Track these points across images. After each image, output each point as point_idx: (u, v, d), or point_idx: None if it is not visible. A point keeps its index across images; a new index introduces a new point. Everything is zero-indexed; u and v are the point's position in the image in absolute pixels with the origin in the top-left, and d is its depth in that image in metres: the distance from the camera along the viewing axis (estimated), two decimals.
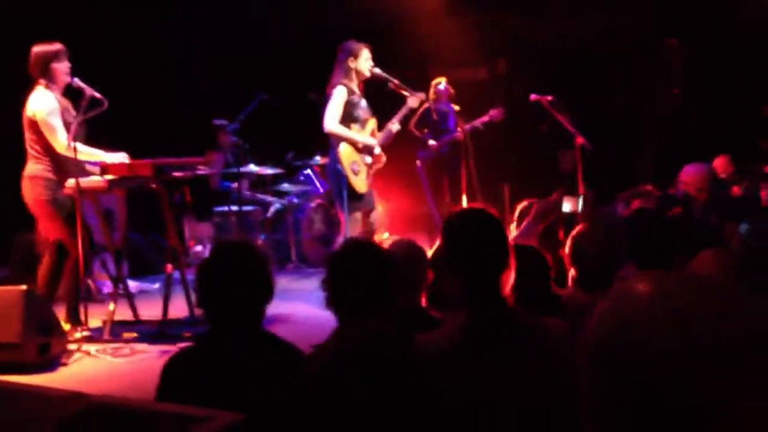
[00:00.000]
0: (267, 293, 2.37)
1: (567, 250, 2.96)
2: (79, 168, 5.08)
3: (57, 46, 5.21)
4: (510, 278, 2.06)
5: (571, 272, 2.98)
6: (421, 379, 1.86)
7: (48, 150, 5.08)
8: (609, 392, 0.82)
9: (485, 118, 7.79)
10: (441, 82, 7.80)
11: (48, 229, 5.22)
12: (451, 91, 7.78)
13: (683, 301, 0.83)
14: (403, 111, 6.07)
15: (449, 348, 1.97)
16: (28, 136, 5.12)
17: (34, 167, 5.09)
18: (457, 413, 1.94)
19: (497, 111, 7.82)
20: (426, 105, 7.35)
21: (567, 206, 4.80)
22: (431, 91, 7.72)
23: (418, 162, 7.85)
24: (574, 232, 2.99)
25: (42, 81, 5.12)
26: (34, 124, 5.06)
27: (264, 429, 1.99)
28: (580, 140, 6.91)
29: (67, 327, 5.03)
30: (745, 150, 7.56)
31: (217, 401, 2.00)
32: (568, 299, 2.81)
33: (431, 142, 7.76)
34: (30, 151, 5.12)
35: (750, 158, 7.23)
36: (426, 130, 7.79)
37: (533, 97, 7.07)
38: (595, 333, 0.85)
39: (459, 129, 7.49)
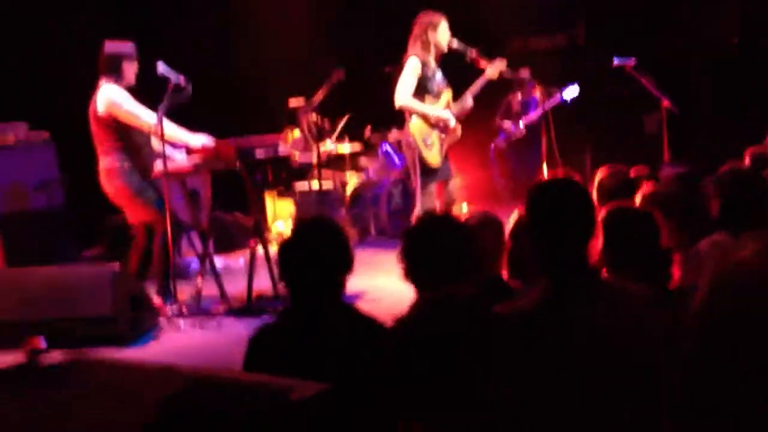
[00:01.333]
0: (346, 264, 2.40)
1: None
2: (152, 153, 5.19)
3: (129, 46, 5.29)
4: (596, 246, 2.02)
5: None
6: (503, 347, 1.84)
7: (119, 141, 5.17)
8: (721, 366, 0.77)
9: (556, 101, 7.60)
10: (526, 75, 7.69)
11: (133, 215, 5.38)
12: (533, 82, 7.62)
13: None
14: (481, 82, 5.94)
15: (530, 316, 1.96)
16: (96, 131, 5.22)
17: (107, 160, 5.21)
18: (538, 380, 1.92)
19: (571, 90, 7.62)
20: (510, 96, 7.36)
21: None
22: (515, 82, 7.62)
23: (491, 145, 7.82)
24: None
25: (108, 78, 5.20)
26: (103, 120, 5.15)
27: (348, 401, 2.01)
28: (666, 103, 6.69)
29: (156, 299, 5.20)
30: None
31: (300, 374, 2.04)
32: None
33: (506, 124, 7.82)
34: (100, 145, 5.23)
35: None
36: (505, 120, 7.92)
37: (616, 62, 6.87)
38: (708, 308, 0.80)
39: (537, 113, 7.46)
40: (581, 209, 2.04)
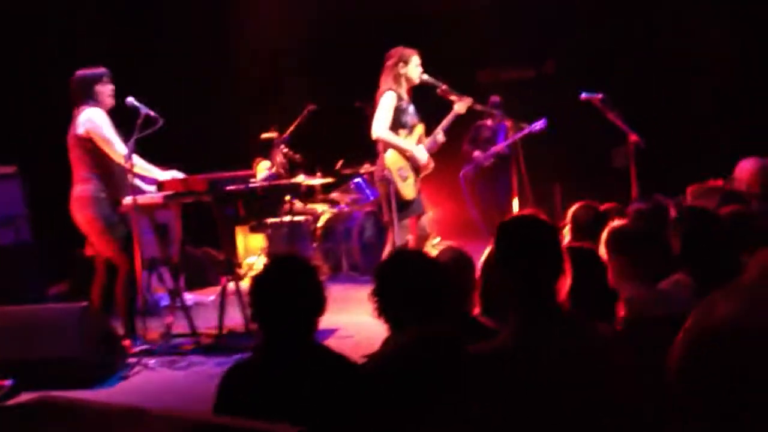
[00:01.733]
0: (319, 306, 2.39)
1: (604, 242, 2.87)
2: (126, 185, 5.17)
3: (100, 69, 5.29)
4: (565, 284, 2.03)
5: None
6: (476, 387, 1.84)
7: (97, 168, 5.15)
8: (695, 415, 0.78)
9: (525, 132, 7.69)
10: (497, 100, 7.82)
11: (97, 248, 5.31)
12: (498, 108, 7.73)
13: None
14: (450, 118, 6.01)
15: (502, 355, 1.96)
16: (76, 155, 5.18)
17: (83, 187, 5.17)
18: (510, 416, 1.92)
19: (540, 123, 7.71)
20: (480, 122, 7.44)
21: None
22: (486, 107, 7.70)
23: (461, 173, 7.82)
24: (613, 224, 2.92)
25: (87, 103, 5.18)
26: (85, 142, 5.13)
27: None
28: (633, 138, 6.79)
29: (126, 342, 5.12)
30: None
31: (272, 413, 2.02)
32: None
33: (476, 153, 7.87)
34: (77, 171, 5.19)
35: None
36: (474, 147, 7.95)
37: (584, 96, 6.97)
38: (682, 361, 0.80)
39: (506, 143, 7.52)
40: (549, 247, 2.05)
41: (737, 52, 9.12)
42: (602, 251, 2.84)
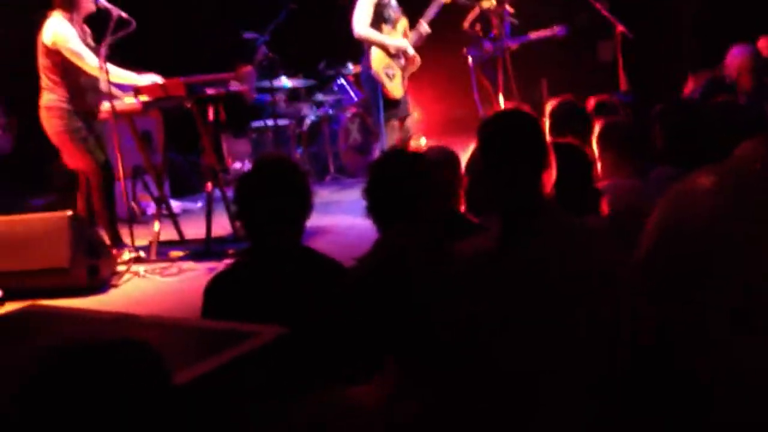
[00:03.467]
0: (306, 208, 2.36)
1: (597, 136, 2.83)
2: (97, 94, 5.05)
3: None
4: (551, 177, 2.00)
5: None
6: (460, 283, 1.84)
7: (63, 78, 5.00)
8: (665, 292, 0.75)
9: (547, 33, 7.43)
10: None
11: (69, 159, 5.22)
12: None
13: (747, 194, 0.74)
14: (434, 7, 5.81)
15: (487, 252, 1.95)
16: (42, 63, 5.03)
17: (49, 97, 5.04)
18: (494, 313, 1.93)
19: (561, 28, 7.42)
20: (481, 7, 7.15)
21: None
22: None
23: (470, 60, 7.43)
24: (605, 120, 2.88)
25: (61, 9, 5.00)
26: (51, 52, 4.97)
27: (307, 343, 2.00)
28: (620, 28, 6.66)
29: (113, 251, 5.12)
30: None
31: (260, 317, 2.03)
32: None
33: (486, 44, 7.46)
34: (44, 79, 5.04)
35: None
36: (479, 29, 7.38)
37: None
38: (654, 232, 0.77)
39: (520, 40, 7.26)
40: (532, 140, 2.02)
41: None
42: (594, 145, 2.82)
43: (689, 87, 5.66)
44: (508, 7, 7.22)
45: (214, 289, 2.35)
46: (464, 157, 3.08)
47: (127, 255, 5.10)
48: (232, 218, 5.46)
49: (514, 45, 7.34)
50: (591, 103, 3.96)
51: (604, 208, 2.52)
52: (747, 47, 5.12)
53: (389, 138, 5.67)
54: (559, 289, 1.90)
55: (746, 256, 0.71)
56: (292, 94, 8.30)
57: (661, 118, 2.84)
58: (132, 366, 1.24)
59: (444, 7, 5.92)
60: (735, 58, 5.02)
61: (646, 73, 7.33)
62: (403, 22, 5.82)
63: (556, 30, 7.30)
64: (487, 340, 1.84)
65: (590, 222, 2.01)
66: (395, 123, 5.80)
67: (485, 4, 7.17)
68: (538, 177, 1.97)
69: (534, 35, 7.31)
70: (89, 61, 4.97)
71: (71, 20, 5.00)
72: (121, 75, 5.14)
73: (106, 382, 1.19)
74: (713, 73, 5.28)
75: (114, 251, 5.07)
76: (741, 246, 0.71)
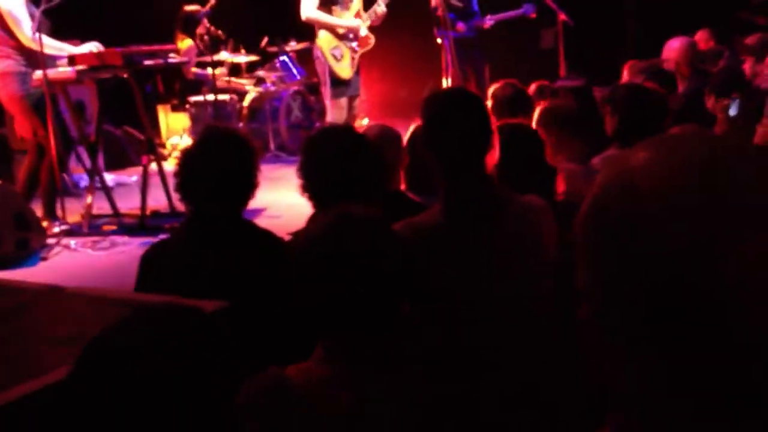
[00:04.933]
0: (251, 183, 2.31)
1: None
2: (48, 61, 4.89)
3: None
4: (493, 158, 2.01)
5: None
6: (404, 260, 1.83)
7: (15, 41, 4.86)
8: (610, 270, 0.73)
9: (518, 12, 7.39)
10: None
11: (25, 126, 5.06)
12: None
13: (695, 160, 0.72)
14: None
15: (433, 230, 1.95)
16: None
17: (4, 63, 4.89)
18: (441, 294, 1.93)
19: (529, 6, 7.37)
20: None
21: None
22: None
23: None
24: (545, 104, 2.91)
25: None
26: (1, 17, 4.82)
27: (245, 317, 1.97)
28: (562, 17, 6.73)
29: (45, 223, 4.97)
30: (723, 22, 7.36)
31: (197, 290, 1.98)
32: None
33: (460, 24, 7.33)
34: None
35: (729, 30, 7.07)
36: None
37: None
38: (594, 204, 0.76)
39: (488, 17, 7.19)
40: (477, 119, 2.02)
41: None
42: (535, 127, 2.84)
43: (625, 77, 5.76)
44: None
45: (150, 259, 2.29)
46: (405, 137, 3.08)
47: (57, 228, 4.95)
48: (170, 193, 5.35)
49: (488, 24, 7.31)
50: (532, 87, 3.99)
51: (559, 186, 2.54)
52: (685, 39, 5.23)
53: (336, 116, 5.63)
54: (499, 262, 1.91)
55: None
56: (234, 70, 8.17)
57: (612, 101, 2.87)
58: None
59: None
60: (673, 50, 5.13)
61: (587, 61, 7.42)
62: (357, 3, 5.76)
63: (527, 9, 7.29)
64: (439, 317, 1.84)
65: (531, 200, 2.03)
66: (343, 102, 5.75)
67: None
68: (482, 155, 1.97)
69: (505, 15, 7.28)
70: (25, 30, 4.80)
71: None
72: (55, 45, 4.98)
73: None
74: (651, 64, 5.38)
75: (45, 223, 4.93)
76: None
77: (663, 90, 3.16)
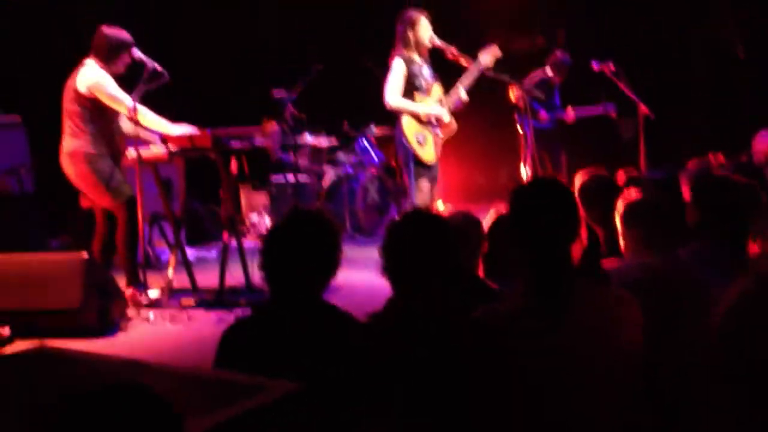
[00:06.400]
0: (333, 265, 2.33)
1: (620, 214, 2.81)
2: (122, 139, 5.11)
3: (129, 37, 5.15)
4: (579, 250, 1.99)
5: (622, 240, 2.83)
6: (487, 348, 1.81)
7: (90, 124, 5.06)
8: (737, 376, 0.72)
9: (600, 110, 7.47)
10: (566, 58, 7.54)
11: (95, 200, 5.27)
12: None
13: None
14: (474, 72, 5.76)
15: (513, 320, 1.93)
16: (70, 109, 5.08)
17: (73, 143, 5.09)
18: (524, 384, 1.90)
19: (612, 106, 7.45)
20: (544, 74, 7.25)
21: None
22: (552, 59, 7.50)
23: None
24: (628, 197, 2.86)
25: (97, 58, 5.08)
26: (82, 98, 5.03)
27: (321, 399, 1.96)
28: (643, 109, 6.70)
29: (128, 292, 5.11)
30: None
31: (274, 371, 1.99)
32: (625, 268, 2.69)
33: (542, 113, 7.42)
34: (70, 125, 5.09)
35: None
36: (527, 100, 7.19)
37: (595, 65, 6.87)
38: (732, 315, 0.75)
39: (569, 110, 7.31)
40: (566, 211, 2.01)
41: (747, 28, 8.98)
42: (617, 223, 2.80)
43: (708, 168, 5.64)
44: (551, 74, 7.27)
45: (230, 338, 2.31)
46: (485, 223, 3.07)
47: (155, 292, 5.10)
48: (247, 270, 5.45)
49: (570, 118, 7.38)
50: (621, 176, 3.92)
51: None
52: None
53: (419, 200, 5.67)
54: (576, 352, 1.88)
55: None
56: (315, 152, 8.38)
57: (698, 190, 2.81)
58: (142, 413, 1.22)
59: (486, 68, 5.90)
60: (763, 143, 5.02)
61: (667, 153, 7.35)
62: (437, 89, 5.85)
63: (607, 108, 7.36)
64: (526, 399, 1.81)
65: (616, 292, 1.99)
66: (425, 185, 5.79)
67: (549, 72, 7.31)
68: (568, 247, 1.96)
69: (587, 111, 7.37)
70: (125, 102, 5.02)
71: (105, 69, 5.09)
72: (154, 121, 5.20)
73: (117, 428, 1.16)
74: (739, 158, 5.27)
75: (128, 294, 5.06)
76: None
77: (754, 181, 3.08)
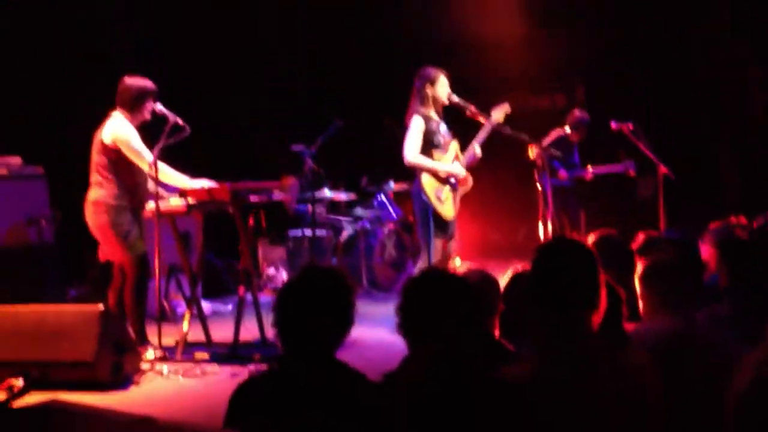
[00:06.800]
0: (347, 323, 2.31)
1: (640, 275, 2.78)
2: (145, 193, 5.16)
3: (152, 85, 5.25)
4: (598, 318, 1.96)
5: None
6: (507, 413, 1.78)
7: (115, 175, 5.13)
8: None
9: (619, 168, 7.49)
10: (585, 117, 7.59)
11: (109, 253, 5.31)
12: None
13: None
14: (487, 129, 5.87)
15: (530, 383, 1.89)
16: (97, 159, 5.15)
17: (97, 192, 5.15)
18: None
19: (632, 164, 7.47)
20: (563, 132, 7.33)
21: None
22: (571, 118, 7.57)
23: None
24: (651, 258, 2.83)
25: (123, 110, 5.18)
26: (108, 150, 5.11)
27: None
28: (663, 169, 6.69)
29: (140, 347, 5.09)
30: None
31: (286, 427, 1.96)
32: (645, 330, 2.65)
33: (562, 172, 7.44)
34: (95, 175, 5.16)
35: None
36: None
37: (614, 125, 6.90)
38: (758, 381, 0.74)
39: (588, 168, 7.34)
40: (588, 273, 1.98)
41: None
42: (637, 285, 2.77)
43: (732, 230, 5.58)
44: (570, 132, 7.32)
45: (240, 397, 2.28)
46: (501, 282, 3.04)
47: (151, 353, 5.06)
48: (262, 324, 5.43)
49: (589, 176, 7.39)
50: (640, 238, 3.89)
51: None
52: None
53: (433, 257, 5.66)
54: (591, 417, 1.84)
55: None
56: (332, 206, 8.41)
57: (725, 249, 2.79)
58: None
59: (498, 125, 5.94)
60: None
61: (684, 213, 7.31)
62: (454, 145, 5.92)
63: (627, 166, 7.37)
64: None
65: (634, 356, 1.95)
66: (439, 243, 5.79)
67: (568, 131, 7.37)
68: (590, 316, 1.93)
69: (606, 169, 7.38)
70: (147, 158, 5.09)
71: (131, 120, 5.18)
72: (173, 176, 5.26)
73: None
74: (761, 220, 5.22)
75: (141, 348, 5.05)
76: None
77: None
